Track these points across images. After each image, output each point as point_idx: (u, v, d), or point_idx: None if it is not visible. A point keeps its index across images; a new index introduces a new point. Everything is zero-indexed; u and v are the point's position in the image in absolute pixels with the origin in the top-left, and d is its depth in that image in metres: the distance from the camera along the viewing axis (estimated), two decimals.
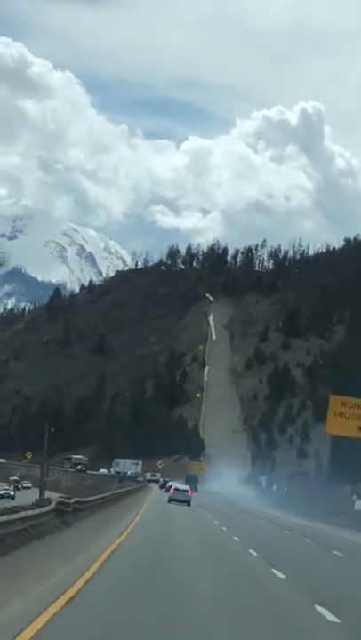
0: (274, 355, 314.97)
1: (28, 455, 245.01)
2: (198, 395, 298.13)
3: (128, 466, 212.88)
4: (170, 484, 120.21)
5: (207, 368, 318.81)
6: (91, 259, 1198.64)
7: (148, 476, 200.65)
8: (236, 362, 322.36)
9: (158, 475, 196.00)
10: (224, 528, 58.55)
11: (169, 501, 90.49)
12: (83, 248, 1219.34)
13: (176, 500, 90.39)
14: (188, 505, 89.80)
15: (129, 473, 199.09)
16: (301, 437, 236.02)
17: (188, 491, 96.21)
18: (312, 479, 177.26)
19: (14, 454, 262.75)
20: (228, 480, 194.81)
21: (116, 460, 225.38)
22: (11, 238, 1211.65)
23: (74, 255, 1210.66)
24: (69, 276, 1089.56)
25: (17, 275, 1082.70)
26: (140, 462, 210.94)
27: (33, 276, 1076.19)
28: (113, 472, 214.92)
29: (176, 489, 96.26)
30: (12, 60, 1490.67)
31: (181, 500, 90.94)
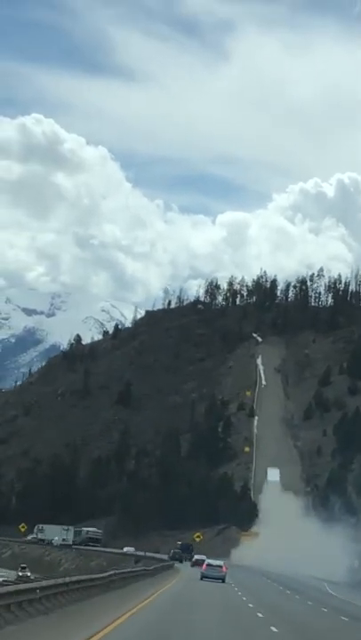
0: (339, 401, 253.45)
1: (22, 528, 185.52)
2: (247, 449, 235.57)
3: (55, 532, 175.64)
4: (196, 557, 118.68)
5: (256, 418, 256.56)
6: None
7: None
8: (293, 410, 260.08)
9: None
10: None
11: (201, 578, 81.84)
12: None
13: (209, 577, 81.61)
14: (223, 582, 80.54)
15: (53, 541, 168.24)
16: None
17: (222, 566, 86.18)
18: None
19: (11, 528, 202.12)
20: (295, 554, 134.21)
21: (40, 525, 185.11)
22: (49, 315, 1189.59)
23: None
24: None
25: (56, 352, 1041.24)
26: (71, 528, 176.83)
27: None
28: (36, 539, 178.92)
29: (209, 565, 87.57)
30: (45, 137, 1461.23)
31: (215, 576, 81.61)
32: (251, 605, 51.59)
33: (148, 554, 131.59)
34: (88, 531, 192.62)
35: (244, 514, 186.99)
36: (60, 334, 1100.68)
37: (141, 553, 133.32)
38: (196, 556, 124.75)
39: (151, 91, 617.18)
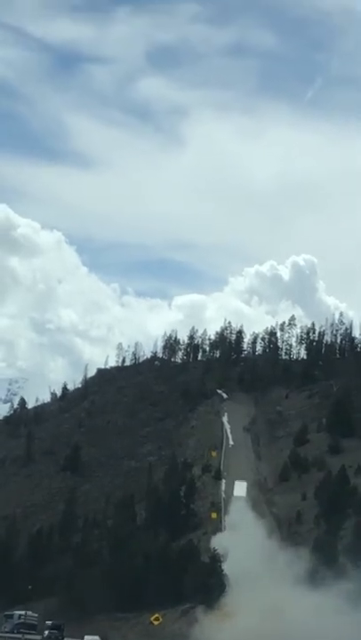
0: (319, 460, 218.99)
1: None
2: (214, 515, 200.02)
3: None
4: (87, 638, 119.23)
5: (224, 481, 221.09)
6: None
7: None
8: (266, 472, 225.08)
9: None
10: None
11: None
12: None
13: None
14: None
15: None
16: None
17: None
18: None
19: None
20: None
21: None
22: (6, 401, 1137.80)
23: None
24: None
25: None
26: None
27: None
28: None
29: None
30: None
31: None
32: None
33: None
34: (21, 615, 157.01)
35: (214, 590, 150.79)
36: None
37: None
38: (87, 637, 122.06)
39: (107, 176, 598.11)
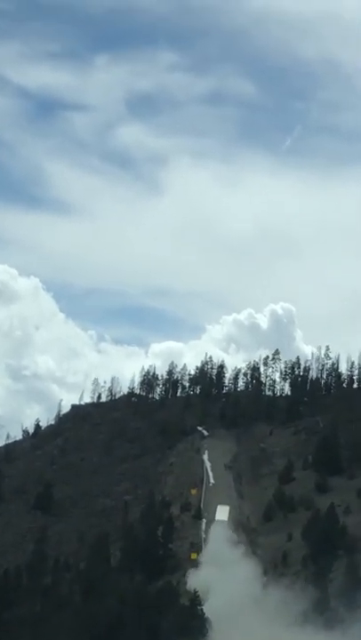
0: (306, 499, 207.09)
1: None
2: (194, 556, 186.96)
3: None
4: None
5: (204, 521, 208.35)
6: None
7: None
8: (249, 512, 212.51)
9: None
10: None
11: None
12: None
13: None
14: None
15: None
16: None
17: None
18: None
19: None
20: None
21: None
22: None
23: None
24: None
25: None
26: None
27: None
28: None
29: None
30: None
31: None
32: None
33: None
34: None
35: (194, 634, 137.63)
36: None
37: None
38: None
39: (85, 223, 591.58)
